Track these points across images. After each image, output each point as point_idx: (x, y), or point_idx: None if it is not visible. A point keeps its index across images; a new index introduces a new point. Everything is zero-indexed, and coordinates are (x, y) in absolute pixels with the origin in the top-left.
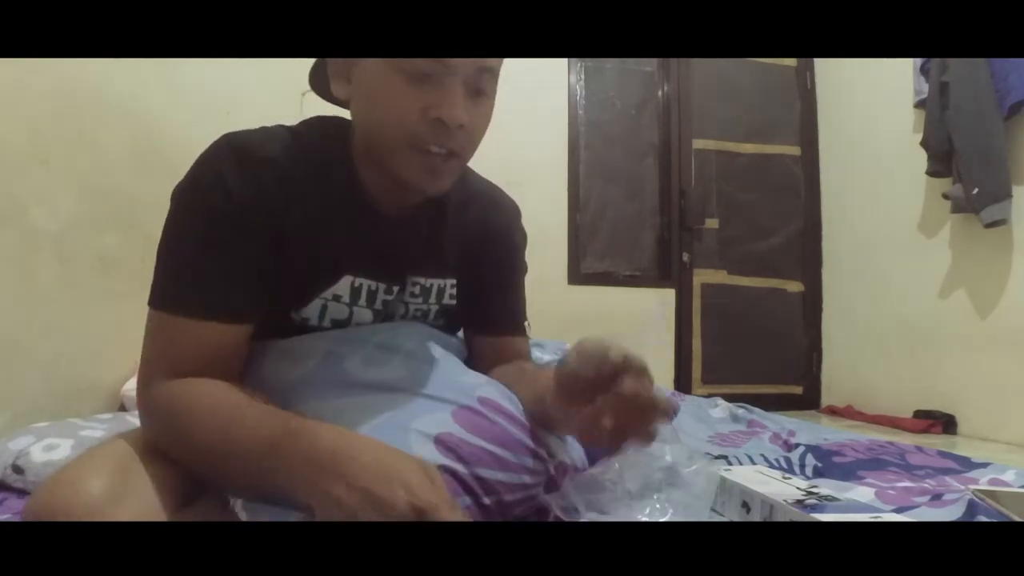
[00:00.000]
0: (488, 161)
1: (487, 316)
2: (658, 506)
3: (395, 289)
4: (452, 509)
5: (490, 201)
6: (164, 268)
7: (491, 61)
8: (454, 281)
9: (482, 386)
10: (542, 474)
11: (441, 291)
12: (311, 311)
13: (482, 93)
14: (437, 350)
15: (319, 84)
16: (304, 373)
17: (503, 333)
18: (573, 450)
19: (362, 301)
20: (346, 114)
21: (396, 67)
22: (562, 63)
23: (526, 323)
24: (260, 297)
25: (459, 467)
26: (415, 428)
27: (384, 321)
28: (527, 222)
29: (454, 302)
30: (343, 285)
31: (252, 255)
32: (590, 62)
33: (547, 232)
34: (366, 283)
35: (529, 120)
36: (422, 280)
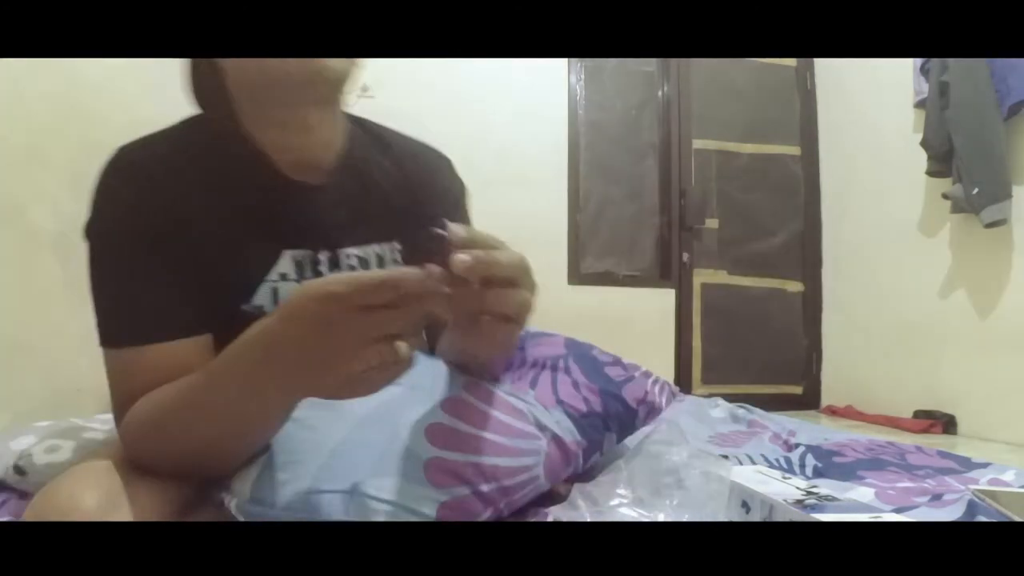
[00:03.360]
0: (489, 161)
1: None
2: (671, 512)
3: (337, 262)
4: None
5: (411, 155)
6: (99, 306)
7: None
8: (396, 245)
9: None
10: (539, 453)
11: (381, 258)
12: (262, 298)
13: None
14: None
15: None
16: None
17: None
18: (563, 423)
19: (308, 274)
20: None
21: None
22: (562, 63)
23: None
24: (198, 304)
25: (451, 455)
26: (404, 422)
27: None
28: (528, 222)
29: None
30: (285, 262)
31: (175, 265)
32: (590, 62)
33: (547, 232)
34: (307, 254)
35: (529, 120)
36: (356, 250)
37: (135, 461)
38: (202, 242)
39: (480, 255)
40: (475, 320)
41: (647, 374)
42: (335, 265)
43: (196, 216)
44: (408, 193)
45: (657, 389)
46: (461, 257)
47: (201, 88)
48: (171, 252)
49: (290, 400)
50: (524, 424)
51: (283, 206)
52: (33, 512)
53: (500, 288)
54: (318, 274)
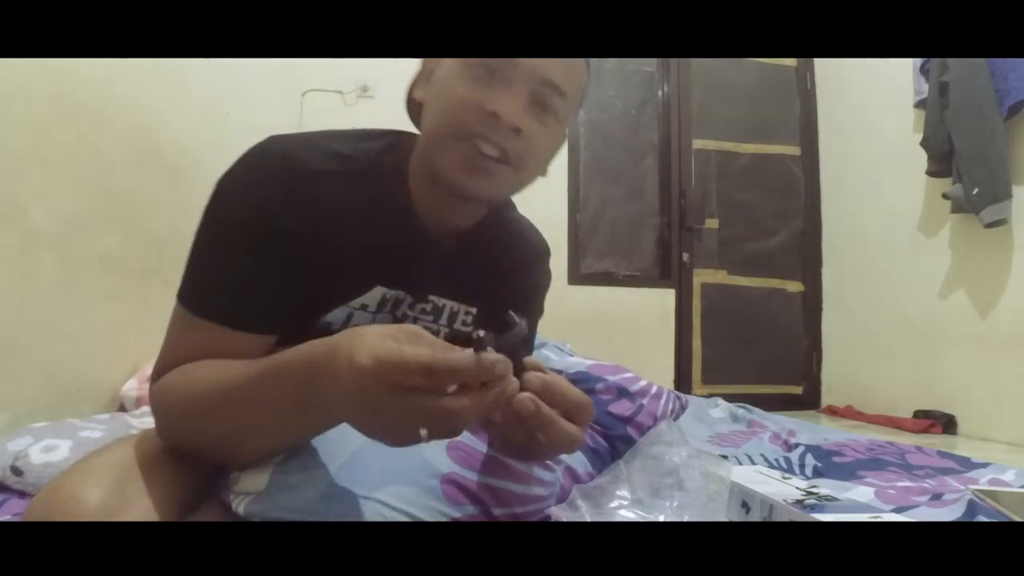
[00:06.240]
0: None
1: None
2: (671, 513)
3: (416, 305)
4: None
5: (519, 234)
6: (197, 266)
7: (556, 77)
8: (472, 309)
9: None
10: (553, 485)
11: (454, 315)
12: (336, 317)
13: (548, 109)
14: None
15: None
16: None
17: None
18: (576, 455)
19: (386, 310)
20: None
21: (470, 65)
22: None
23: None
24: (288, 313)
25: (469, 474)
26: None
27: None
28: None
29: (468, 329)
30: (374, 295)
31: (284, 265)
32: (590, 62)
33: (547, 232)
34: (393, 295)
35: None
36: (436, 299)
37: (157, 426)
38: (316, 256)
39: (551, 381)
40: (527, 436)
41: (657, 395)
42: (412, 307)
43: (323, 232)
44: (505, 272)
45: (669, 409)
46: (535, 375)
47: (413, 115)
48: (285, 253)
49: (329, 424)
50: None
51: (402, 251)
52: (35, 510)
53: (559, 418)
54: (396, 310)
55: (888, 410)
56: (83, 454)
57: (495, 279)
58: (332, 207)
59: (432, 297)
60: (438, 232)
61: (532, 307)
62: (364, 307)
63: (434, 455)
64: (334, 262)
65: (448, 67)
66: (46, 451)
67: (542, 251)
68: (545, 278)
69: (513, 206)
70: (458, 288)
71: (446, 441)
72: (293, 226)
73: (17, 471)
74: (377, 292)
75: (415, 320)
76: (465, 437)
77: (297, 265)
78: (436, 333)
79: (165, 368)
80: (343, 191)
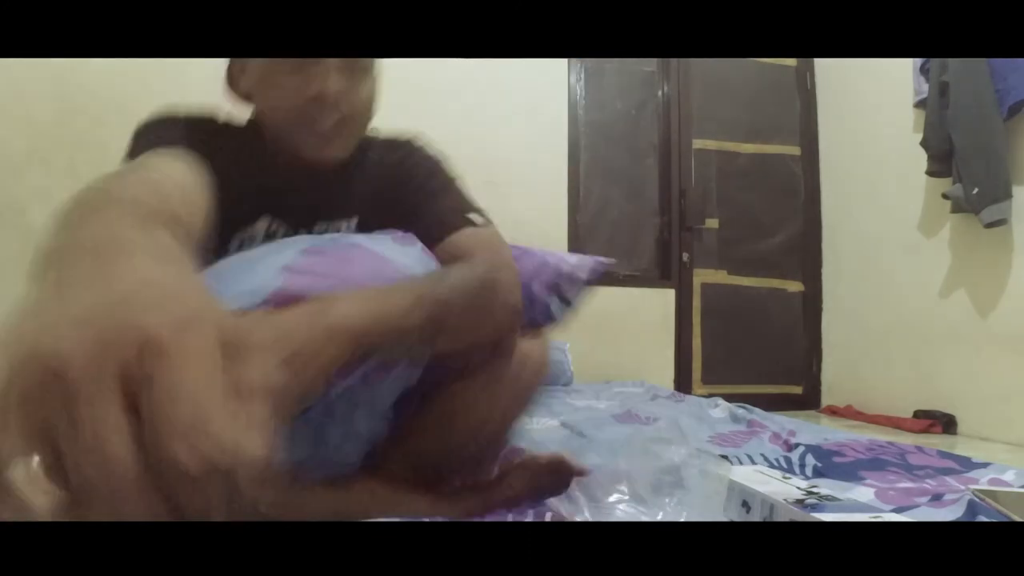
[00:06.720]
0: (488, 161)
1: (420, 228)
2: (670, 510)
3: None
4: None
5: (385, 144)
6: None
7: None
8: (352, 220)
9: (363, 240)
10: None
11: (337, 231)
12: (231, 249)
13: (356, 68)
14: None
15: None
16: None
17: (439, 237)
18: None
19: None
20: None
21: (274, 59)
22: (562, 63)
23: (471, 215)
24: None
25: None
26: (264, 260)
27: None
28: (528, 221)
29: None
30: (259, 226)
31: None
32: (590, 62)
33: (547, 232)
34: (281, 227)
35: (529, 120)
36: (324, 224)
37: None
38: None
39: None
40: None
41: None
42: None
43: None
44: (386, 177)
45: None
46: None
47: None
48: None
49: None
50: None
51: (282, 187)
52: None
53: None
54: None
55: (888, 410)
56: None
57: (385, 192)
58: (207, 137)
59: (318, 225)
60: (314, 167)
61: (427, 179)
62: (252, 239)
63: (266, 274)
64: (220, 183)
65: (257, 63)
66: None
67: (404, 139)
68: (419, 156)
69: (377, 133)
70: (344, 210)
71: (281, 265)
72: (185, 134)
73: None
74: (262, 222)
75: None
76: (301, 260)
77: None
78: None
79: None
80: (213, 131)
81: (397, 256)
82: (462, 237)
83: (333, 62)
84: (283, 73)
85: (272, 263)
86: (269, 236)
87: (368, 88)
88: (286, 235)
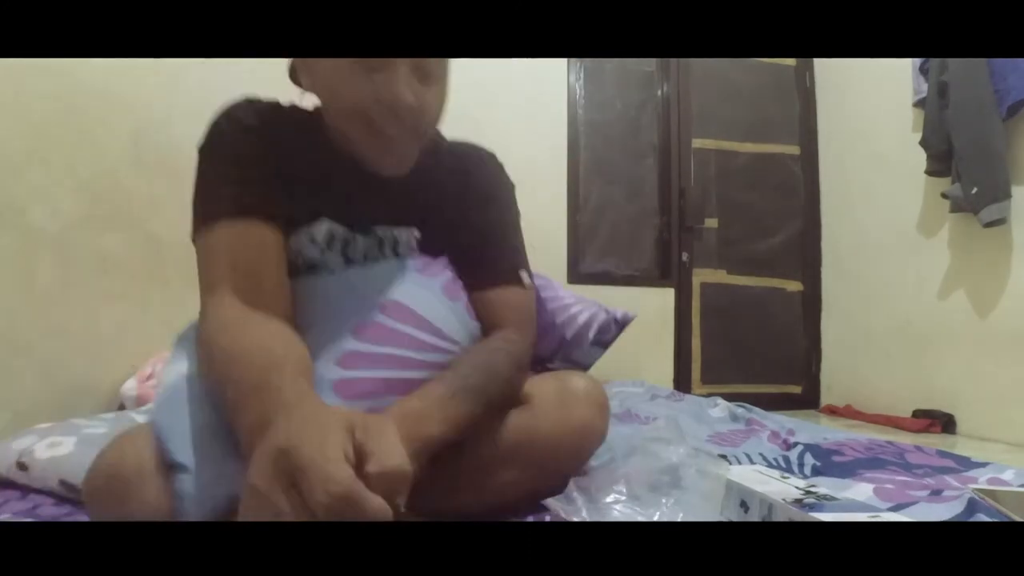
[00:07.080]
0: None
1: (469, 269)
2: (666, 510)
3: (358, 237)
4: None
5: (456, 155)
6: (199, 201)
7: None
8: (415, 231)
9: (395, 292)
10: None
11: (396, 241)
12: (298, 244)
13: (428, 70)
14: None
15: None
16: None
17: (487, 286)
18: (474, 330)
19: (336, 249)
20: None
21: (347, 59)
22: (562, 63)
23: (521, 273)
24: (280, 200)
25: (360, 374)
26: (322, 358)
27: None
28: (527, 221)
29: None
30: (319, 227)
31: (262, 177)
32: (590, 62)
33: (547, 232)
34: (340, 231)
35: (529, 120)
36: (381, 231)
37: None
38: (271, 175)
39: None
40: None
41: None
42: (354, 246)
43: (280, 158)
44: (451, 193)
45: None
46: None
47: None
48: (264, 160)
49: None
50: (439, 339)
51: (342, 188)
52: (106, 459)
53: None
54: (345, 250)
55: (887, 409)
56: (89, 449)
57: (449, 208)
58: (276, 133)
59: (378, 230)
60: (381, 171)
61: (489, 215)
62: (313, 240)
63: (326, 370)
64: (284, 184)
65: (326, 62)
66: (51, 447)
67: (482, 158)
68: (492, 183)
69: (443, 137)
70: (404, 218)
71: (335, 357)
72: (256, 134)
73: (23, 466)
74: (323, 225)
75: (364, 257)
76: (353, 345)
77: (263, 178)
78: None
79: (205, 302)
80: (282, 127)
81: (440, 315)
82: (504, 296)
83: (405, 67)
84: (351, 74)
85: (327, 357)
86: (329, 241)
87: (437, 94)
88: (345, 239)
